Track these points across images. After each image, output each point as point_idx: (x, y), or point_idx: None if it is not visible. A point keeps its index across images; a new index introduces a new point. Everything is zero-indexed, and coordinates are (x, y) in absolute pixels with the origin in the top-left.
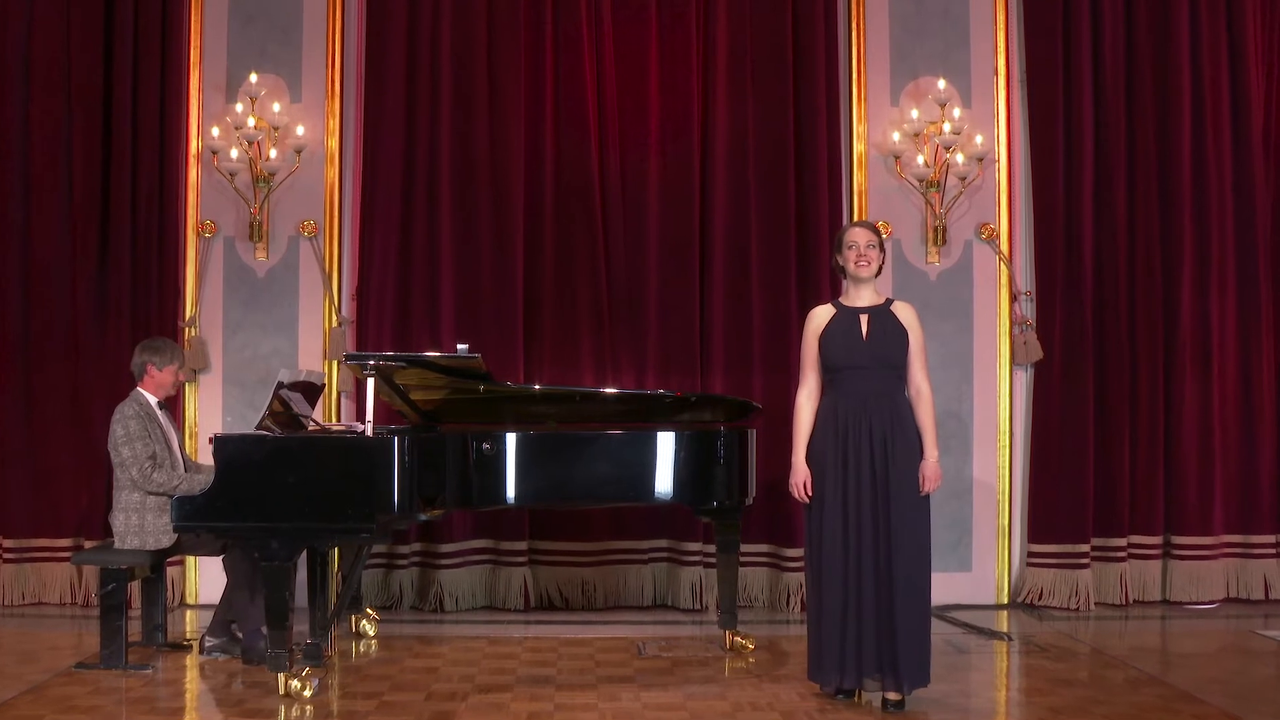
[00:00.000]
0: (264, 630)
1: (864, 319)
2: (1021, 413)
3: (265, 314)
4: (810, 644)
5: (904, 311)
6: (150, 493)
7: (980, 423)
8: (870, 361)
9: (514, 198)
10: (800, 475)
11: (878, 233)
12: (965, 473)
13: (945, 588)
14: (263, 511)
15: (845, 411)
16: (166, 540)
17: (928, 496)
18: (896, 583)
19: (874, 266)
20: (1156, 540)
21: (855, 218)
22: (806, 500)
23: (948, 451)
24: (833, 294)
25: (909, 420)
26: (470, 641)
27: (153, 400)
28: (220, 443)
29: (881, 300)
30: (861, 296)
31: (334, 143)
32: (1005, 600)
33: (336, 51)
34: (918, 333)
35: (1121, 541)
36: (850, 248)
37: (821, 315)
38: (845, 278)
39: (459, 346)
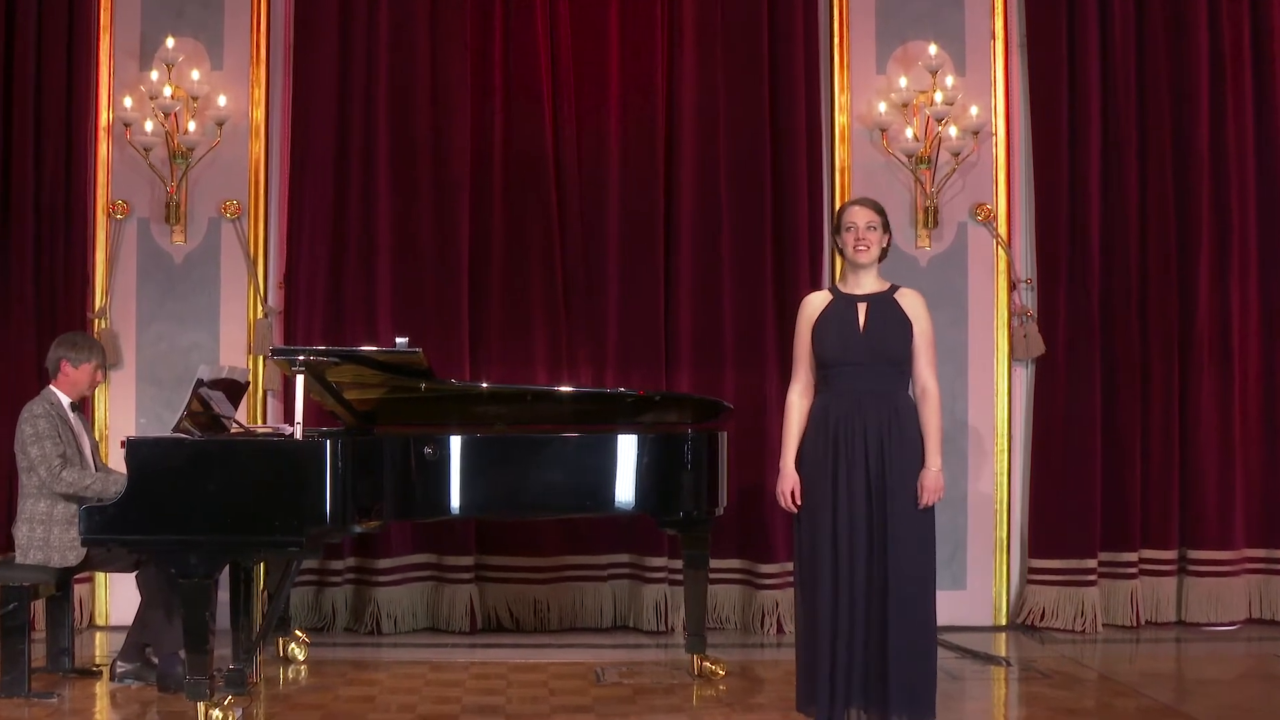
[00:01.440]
0: (182, 655)
1: (862, 308)
2: (1021, 413)
3: (183, 304)
4: (799, 671)
5: (910, 300)
6: (61, 494)
7: (975, 425)
8: (866, 356)
9: (459, 176)
10: (788, 482)
11: (880, 212)
12: (959, 481)
13: (937, 607)
14: (180, 523)
15: (837, 412)
16: (74, 556)
17: (931, 510)
18: (892, 604)
19: (874, 250)
20: (1171, 555)
21: (838, 197)
22: (794, 509)
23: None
24: (812, 281)
25: (910, 424)
26: (410, 667)
27: (65, 400)
28: (133, 446)
29: (885, 287)
30: (861, 283)
31: (259, 114)
32: (1003, 621)
33: (262, 13)
34: (925, 325)
35: (1132, 556)
36: (848, 229)
37: (815, 302)
38: (845, 261)
39: (398, 340)
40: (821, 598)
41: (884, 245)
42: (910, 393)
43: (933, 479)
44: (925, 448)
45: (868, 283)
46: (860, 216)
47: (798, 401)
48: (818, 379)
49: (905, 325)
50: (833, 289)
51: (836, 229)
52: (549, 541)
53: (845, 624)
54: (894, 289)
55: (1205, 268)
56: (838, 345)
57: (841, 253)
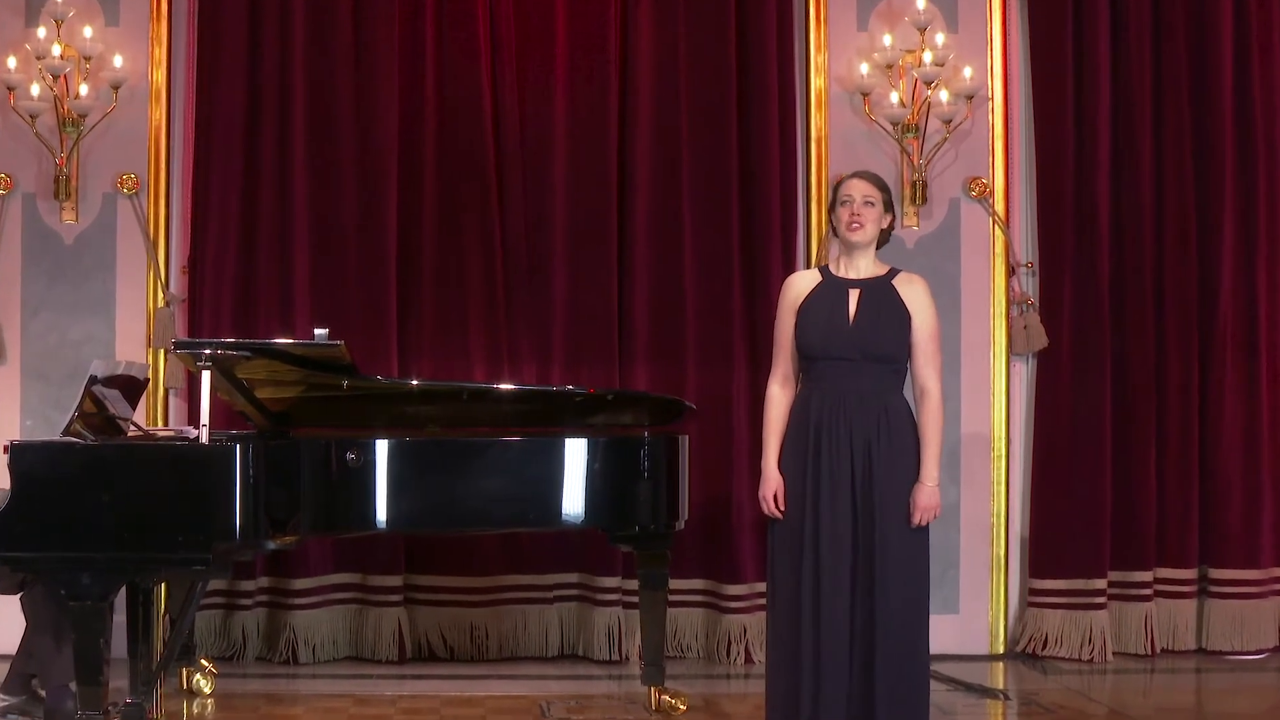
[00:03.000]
0: (72, 687)
1: (854, 295)
2: (1020, 415)
3: (75, 290)
4: (769, 705)
5: (911, 288)
6: None
7: (970, 428)
8: (854, 351)
9: (386, 147)
10: (770, 484)
11: (882, 188)
12: (950, 491)
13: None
14: (70, 538)
15: (820, 414)
16: None
17: (924, 530)
18: (879, 635)
19: (870, 230)
20: (1190, 574)
21: (814, 170)
22: (779, 515)
23: None
24: (785, 266)
25: (904, 430)
26: (331, 700)
27: None
28: (17, 452)
29: (883, 271)
30: (856, 266)
31: (160, 76)
32: (1001, 649)
33: None
34: (926, 317)
35: (1146, 576)
36: (844, 202)
37: (801, 283)
38: (839, 241)
39: (317, 332)
40: (795, 625)
41: (883, 226)
42: (907, 394)
43: (928, 495)
44: (922, 458)
45: (863, 266)
46: (857, 189)
47: (779, 395)
48: (801, 371)
49: (902, 317)
50: (823, 270)
51: (832, 205)
52: (487, 559)
53: (827, 656)
54: (893, 273)
55: (1229, 249)
56: (822, 337)
57: (835, 231)
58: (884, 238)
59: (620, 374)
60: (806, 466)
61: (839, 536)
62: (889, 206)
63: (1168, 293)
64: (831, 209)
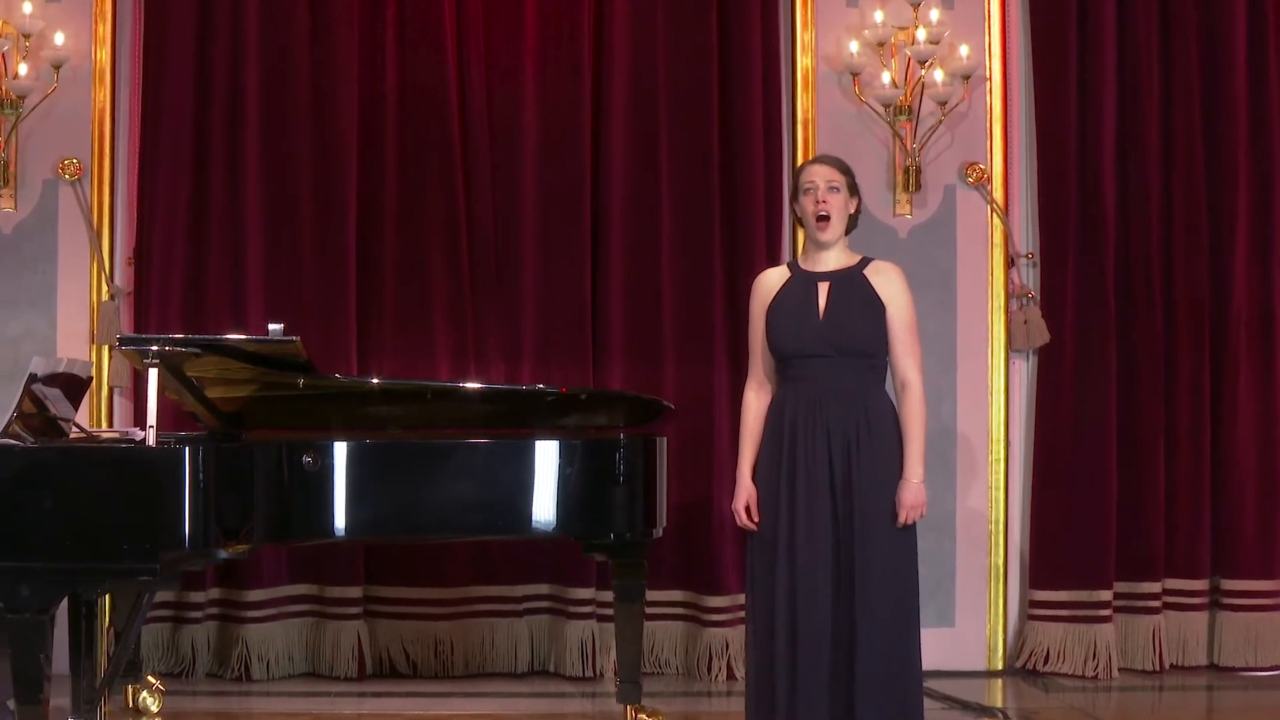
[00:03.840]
0: (11, 705)
1: (823, 288)
2: (1020, 415)
3: (13, 283)
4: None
5: (883, 276)
6: None
7: (966, 429)
8: (827, 347)
9: (345, 132)
10: (743, 495)
11: (845, 171)
12: (946, 496)
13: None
14: (8, 546)
15: (795, 414)
16: None
17: (911, 530)
18: (862, 649)
19: (837, 219)
20: (1201, 585)
21: (800, 155)
22: (752, 527)
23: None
24: (770, 258)
25: (886, 427)
26: None
27: None
28: None
29: (854, 261)
30: (825, 258)
31: (104, 55)
32: (999, 665)
33: None
34: (902, 305)
35: (1154, 587)
36: (807, 190)
37: (770, 281)
38: (805, 232)
39: (271, 327)
40: (774, 637)
41: (851, 211)
42: (888, 389)
43: (913, 492)
44: (905, 454)
45: (832, 257)
46: (819, 175)
47: (755, 400)
48: (776, 373)
49: (875, 309)
50: (792, 265)
51: (794, 194)
52: (453, 569)
53: (806, 672)
54: (865, 263)
55: (1243, 238)
56: (793, 334)
57: (801, 222)
58: (852, 224)
59: (594, 372)
60: (781, 472)
61: (818, 544)
62: (854, 190)
63: (1177, 285)
64: (794, 198)
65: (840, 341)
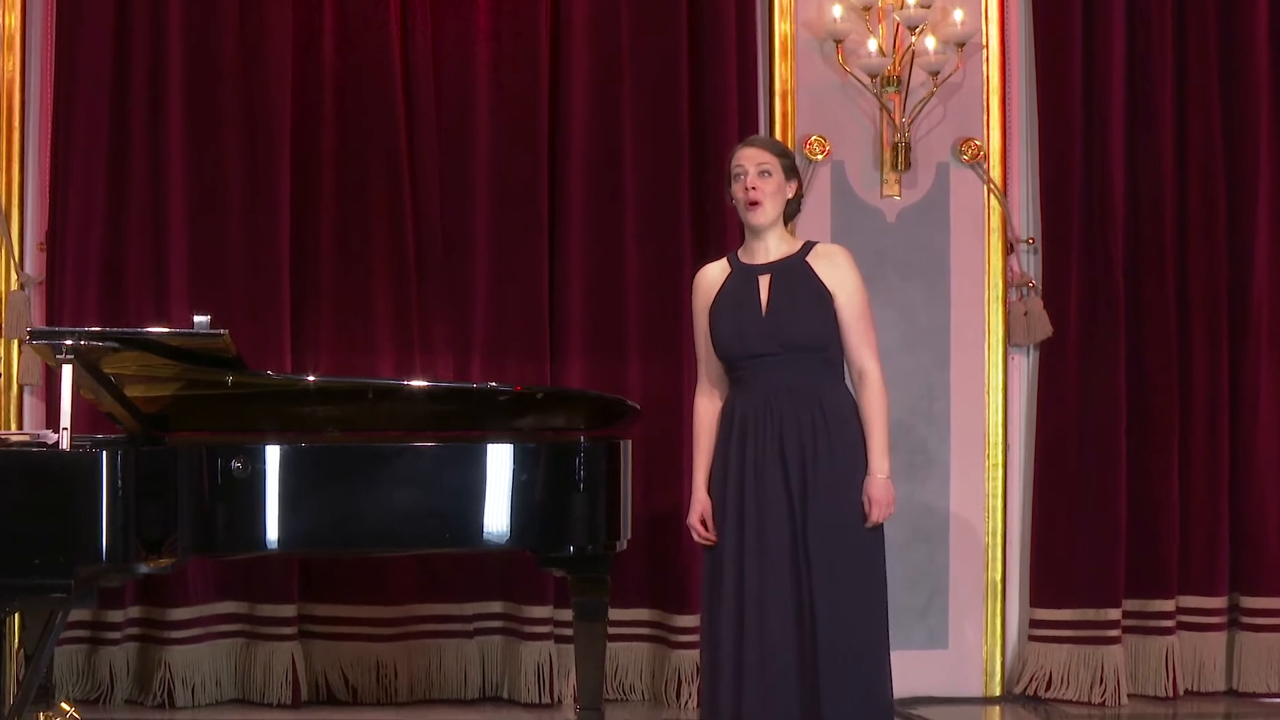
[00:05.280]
0: None
1: (764, 281)
2: (1020, 416)
3: None
4: None
5: (826, 261)
6: None
7: (960, 430)
8: (774, 345)
9: (278, 105)
10: (698, 509)
11: (780, 153)
12: (937, 504)
13: (908, 672)
14: None
15: (744, 420)
16: None
17: (879, 531)
18: (824, 670)
19: (770, 206)
20: (1219, 603)
21: (779, 129)
22: (710, 541)
23: (911, 475)
24: (742, 240)
25: (845, 423)
26: None
27: None
28: None
29: (795, 249)
30: (764, 248)
31: (13, 21)
32: (997, 691)
33: None
34: (851, 291)
35: (1168, 605)
36: (737, 177)
37: (709, 279)
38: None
39: (197, 319)
40: (727, 657)
41: (790, 195)
42: (844, 383)
43: (880, 488)
44: (869, 448)
45: (771, 246)
46: (749, 159)
47: (706, 406)
48: (724, 376)
49: (821, 298)
50: (732, 258)
51: (728, 182)
52: (396, 586)
53: (760, 692)
54: (807, 248)
55: (1264, 222)
56: (735, 335)
57: (738, 211)
58: (792, 209)
59: (552, 368)
60: (730, 482)
61: (769, 550)
62: (791, 173)
63: (1192, 274)
64: (728, 185)
65: (786, 338)
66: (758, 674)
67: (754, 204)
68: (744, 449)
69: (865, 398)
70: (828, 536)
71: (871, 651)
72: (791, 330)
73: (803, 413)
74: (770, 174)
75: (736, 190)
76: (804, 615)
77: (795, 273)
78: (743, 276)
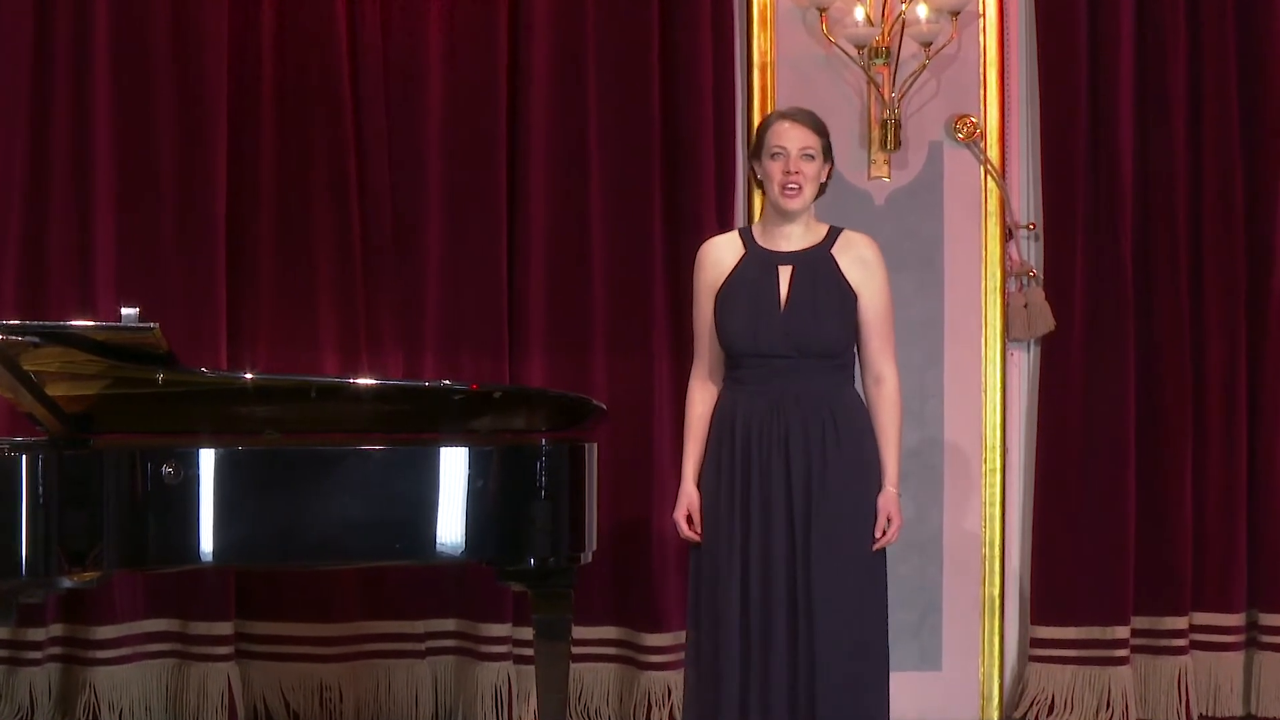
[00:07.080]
0: None
1: (785, 274)
2: (1020, 418)
3: None
4: None
5: (853, 256)
6: None
7: (955, 433)
8: (788, 347)
9: (212, 80)
10: (684, 502)
11: (823, 131)
12: (931, 515)
13: (899, 695)
14: None
15: (749, 420)
16: None
17: (882, 554)
18: (821, 684)
19: (809, 190)
20: (1236, 620)
21: (756, 107)
22: (695, 538)
23: (901, 482)
24: (720, 224)
25: (858, 433)
26: None
27: None
28: None
29: (820, 238)
30: (787, 233)
31: None
32: (995, 715)
33: None
34: (876, 292)
35: (1180, 623)
36: (776, 155)
37: (720, 255)
38: (767, 200)
39: (125, 311)
40: (718, 676)
41: (823, 180)
42: (855, 388)
43: (895, 504)
44: (883, 462)
45: (796, 231)
46: (793, 139)
47: (701, 394)
48: (724, 367)
49: (844, 299)
50: (746, 235)
51: (756, 153)
52: (342, 601)
53: (758, 712)
54: (833, 237)
55: None
56: (748, 332)
57: (762, 187)
58: (821, 190)
59: (510, 364)
60: (732, 481)
61: (773, 563)
62: (828, 154)
63: (1206, 263)
64: (755, 157)
65: (805, 342)
66: (754, 697)
67: (794, 193)
68: (747, 454)
69: (882, 406)
70: (829, 547)
71: (869, 664)
72: (811, 335)
73: (812, 417)
74: (813, 158)
75: (773, 169)
76: (799, 626)
77: (820, 267)
78: (760, 262)
